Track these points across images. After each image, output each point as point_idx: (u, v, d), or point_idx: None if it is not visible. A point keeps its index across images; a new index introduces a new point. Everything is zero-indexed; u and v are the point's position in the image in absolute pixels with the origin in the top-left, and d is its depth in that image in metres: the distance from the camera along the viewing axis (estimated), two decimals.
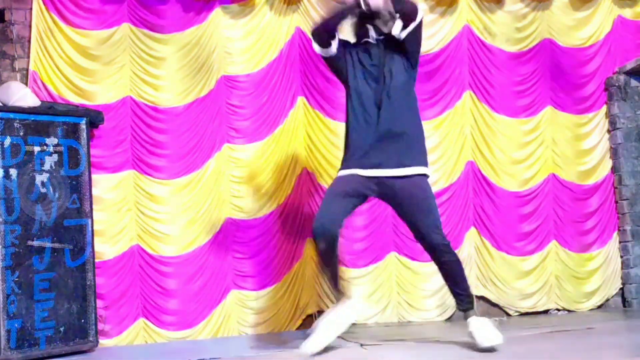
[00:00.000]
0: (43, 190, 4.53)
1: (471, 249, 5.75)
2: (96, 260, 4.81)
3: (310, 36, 4.25)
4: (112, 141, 5.15)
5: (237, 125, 5.42)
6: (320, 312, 5.39)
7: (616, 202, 6.01)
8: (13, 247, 4.37)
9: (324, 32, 4.07)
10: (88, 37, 5.12)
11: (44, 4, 5.06)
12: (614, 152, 6.00)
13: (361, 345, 4.39)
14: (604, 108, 6.05)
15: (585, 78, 6.00)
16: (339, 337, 4.79)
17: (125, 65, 5.21)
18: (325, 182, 5.45)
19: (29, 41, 5.07)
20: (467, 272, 4.26)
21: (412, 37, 4.04)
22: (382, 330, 5.17)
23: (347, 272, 5.49)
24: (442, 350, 4.06)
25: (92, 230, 4.75)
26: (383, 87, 3.99)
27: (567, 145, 5.96)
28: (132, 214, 5.17)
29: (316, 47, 4.15)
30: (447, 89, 5.76)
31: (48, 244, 4.52)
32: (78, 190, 4.70)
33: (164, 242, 5.20)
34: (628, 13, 6.14)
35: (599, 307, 5.93)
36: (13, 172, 4.42)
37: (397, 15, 4.01)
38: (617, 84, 5.97)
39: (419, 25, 4.02)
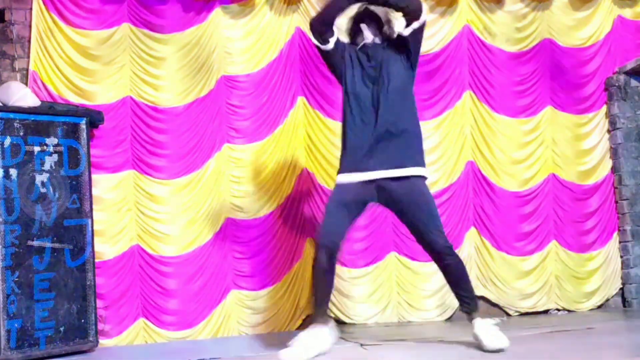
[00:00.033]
0: (43, 190, 4.53)
1: (471, 249, 5.75)
2: (96, 260, 4.81)
3: (309, 27, 4.25)
4: (112, 141, 5.15)
5: (237, 125, 5.42)
6: None
7: (616, 202, 6.01)
8: (13, 247, 4.37)
9: (321, 23, 4.08)
10: (88, 37, 5.12)
11: (44, 4, 5.06)
12: (614, 152, 6.00)
13: (361, 345, 4.38)
14: (604, 108, 6.05)
15: (585, 78, 6.00)
16: (339, 337, 4.81)
17: (125, 65, 5.21)
18: (325, 182, 5.46)
19: (29, 41, 5.07)
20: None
21: (414, 37, 4.04)
22: (382, 330, 5.17)
23: (347, 272, 5.50)
24: (442, 350, 4.06)
25: (92, 230, 4.75)
26: (381, 89, 3.99)
27: (567, 145, 5.96)
28: (132, 214, 5.17)
29: (314, 40, 4.17)
30: (447, 89, 5.76)
31: (48, 244, 4.52)
32: (78, 190, 4.70)
33: (164, 242, 5.20)
34: (628, 13, 6.14)
35: (599, 307, 5.93)
36: (13, 172, 4.42)
37: (401, 12, 4.01)
38: (617, 84, 5.97)
39: (423, 25, 4.03)
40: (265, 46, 5.49)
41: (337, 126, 5.39)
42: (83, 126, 4.76)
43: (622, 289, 5.99)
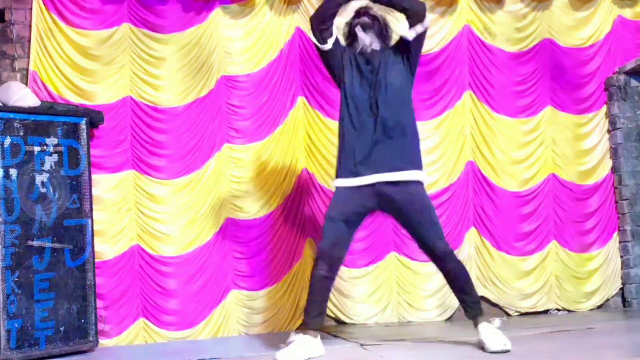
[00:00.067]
0: (43, 190, 4.53)
1: (471, 249, 5.75)
2: (96, 260, 4.81)
3: (309, 24, 4.26)
4: (112, 141, 5.14)
5: (237, 125, 5.42)
6: None
7: (616, 202, 6.01)
8: (13, 247, 4.37)
9: (319, 19, 4.08)
10: (88, 37, 5.12)
11: (44, 4, 5.06)
12: (614, 152, 6.00)
13: (361, 345, 4.39)
14: (604, 108, 6.05)
15: (585, 78, 6.00)
16: (339, 337, 4.81)
17: (125, 65, 5.21)
18: (325, 182, 5.46)
19: (29, 41, 5.07)
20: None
21: (417, 40, 4.05)
22: (382, 330, 5.17)
23: (347, 272, 5.50)
24: (442, 350, 4.06)
25: (92, 230, 4.75)
26: (379, 93, 3.99)
27: (567, 145, 5.96)
28: (132, 214, 5.17)
29: (313, 38, 4.17)
30: (447, 89, 5.76)
31: (48, 244, 4.52)
32: (78, 190, 4.70)
33: (164, 242, 5.20)
34: (628, 13, 6.14)
35: (599, 307, 5.93)
36: (13, 172, 4.42)
37: (404, 14, 4.01)
38: (617, 84, 5.97)
39: (426, 29, 4.04)
40: (265, 46, 5.49)
41: (337, 126, 5.39)
42: (83, 126, 4.76)
43: (622, 289, 5.99)
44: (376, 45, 4.11)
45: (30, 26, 5.07)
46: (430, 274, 5.56)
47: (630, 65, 5.93)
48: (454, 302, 5.48)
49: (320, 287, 3.99)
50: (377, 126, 3.96)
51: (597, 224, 5.95)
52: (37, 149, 4.53)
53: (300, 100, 5.57)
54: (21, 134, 4.47)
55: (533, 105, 5.90)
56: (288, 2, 5.53)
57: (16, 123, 4.46)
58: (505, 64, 5.86)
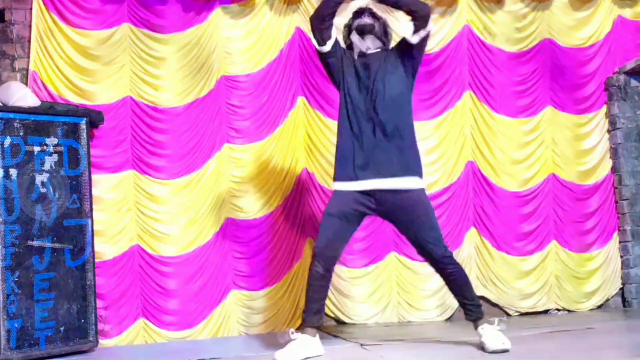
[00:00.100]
0: (43, 190, 4.53)
1: (471, 249, 5.74)
2: (96, 260, 4.81)
3: (309, 23, 4.26)
4: (112, 141, 5.14)
5: (237, 125, 5.42)
6: None
7: (616, 202, 6.01)
8: (13, 247, 4.37)
9: (319, 19, 4.08)
10: (88, 37, 5.12)
11: (44, 4, 5.06)
12: (614, 152, 6.00)
13: (361, 345, 4.39)
14: (604, 108, 6.05)
15: (585, 78, 6.00)
16: (339, 337, 4.81)
17: (125, 65, 5.21)
18: (325, 182, 5.46)
19: (29, 41, 5.07)
20: (467, 272, 4.25)
21: (420, 44, 4.05)
22: (382, 330, 5.17)
23: (347, 272, 5.50)
24: (442, 350, 4.06)
25: (92, 230, 4.75)
26: (377, 97, 3.98)
27: (567, 145, 5.96)
28: (132, 214, 5.17)
29: (313, 40, 4.18)
30: (447, 89, 5.76)
31: (48, 244, 4.52)
32: (78, 190, 4.70)
33: (164, 242, 5.20)
34: (628, 13, 6.14)
35: (599, 307, 5.93)
36: (13, 172, 4.42)
37: (410, 16, 4.00)
38: (617, 84, 5.97)
39: (429, 33, 4.04)
40: (265, 46, 5.48)
41: (337, 126, 5.40)
42: (83, 126, 4.76)
43: (622, 289, 5.99)
44: (377, 47, 4.11)
45: (30, 26, 5.07)
46: (430, 274, 5.54)
47: (630, 65, 5.93)
48: (454, 302, 5.47)
49: (318, 285, 3.99)
50: (376, 131, 3.96)
51: (597, 224, 5.95)
52: (37, 149, 4.53)
53: (300, 100, 5.57)
54: (21, 134, 4.47)
55: (533, 105, 5.90)
56: (288, 2, 5.53)
57: (16, 123, 4.46)
58: (505, 64, 5.86)
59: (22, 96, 4.64)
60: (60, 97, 5.02)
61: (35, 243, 4.47)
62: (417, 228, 3.99)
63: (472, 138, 5.82)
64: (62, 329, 4.54)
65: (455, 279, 4.05)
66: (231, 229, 5.35)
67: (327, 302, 5.29)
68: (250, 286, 5.36)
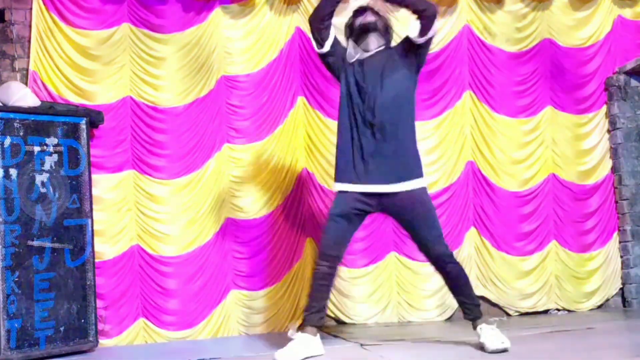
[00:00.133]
0: (43, 190, 4.53)
1: (471, 249, 5.74)
2: (96, 260, 4.81)
3: (308, 25, 4.26)
4: (112, 141, 5.14)
5: (237, 125, 5.42)
6: None
7: (616, 202, 6.01)
8: (13, 247, 4.37)
9: (317, 19, 4.08)
10: (88, 37, 5.12)
11: (44, 4, 5.06)
12: (614, 152, 6.00)
13: (361, 345, 4.39)
14: (604, 108, 6.05)
15: (585, 78, 6.00)
16: (339, 337, 4.81)
17: (125, 65, 5.21)
18: (325, 182, 5.46)
19: (29, 41, 5.07)
20: (467, 272, 4.26)
21: (426, 44, 4.05)
22: (382, 330, 5.17)
23: (347, 272, 5.50)
24: (442, 350, 4.06)
25: (92, 230, 4.75)
26: (378, 98, 3.97)
27: (567, 145, 5.96)
28: (132, 214, 5.17)
29: (313, 42, 4.18)
30: (447, 89, 5.76)
31: (48, 244, 4.52)
32: (78, 190, 4.70)
33: (164, 242, 5.20)
34: (628, 13, 6.14)
35: (599, 307, 5.93)
36: (13, 172, 4.42)
37: (417, 15, 3.99)
38: (617, 84, 5.97)
39: (435, 33, 4.04)
40: (265, 46, 5.48)
41: (336, 126, 5.40)
42: (83, 126, 4.76)
43: (622, 289, 5.99)
44: (379, 46, 4.10)
45: (30, 26, 5.07)
46: (430, 274, 5.55)
47: (630, 65, 5.93)
48: (454, 302, 5.44)
49: (321, 285, 4.00)
50: (376, 130, 3.95)
51: (597, 224, 5.95)
52: (37, 149, 4.53)
53: (300, 100, 5.57)
54: (21, 134, 4.47)
55: (533, 105, 5.90)
56: (288, 2, 5.53)
57: (16, 123, 4.46)
58: (505, 64, 5.86)
59: (22, 96, 4.64)
60: (60, 97, 5.02)
61: (35, 243, 4.47)
62: (418, 226, 4.00)
63: (472, 138, 5.82)
64: (62, 329, 4.54)
65: (454, 278, 4.05)
66: (231, 229, 5.35)
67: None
68: (250, 286, 5.36)
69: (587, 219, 5.94)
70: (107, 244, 5.05)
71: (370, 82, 4.01)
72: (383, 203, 3.99)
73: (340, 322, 5.49)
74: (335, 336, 4.86)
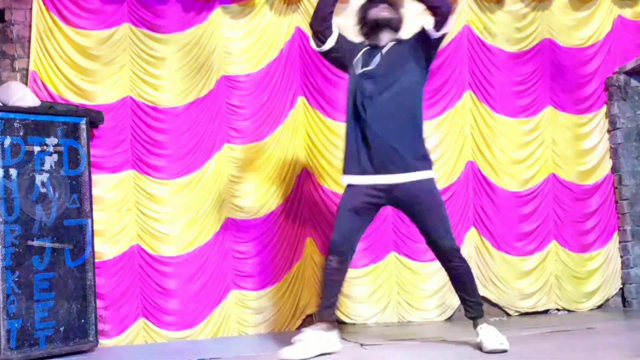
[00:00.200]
0: (43, 190, 4.53)
1: (471, 249, 5.74)
2: (96, 260, 4.81)
3: (309, 29, 4.25)
4: (112, 141, 5.14)
5: (237, 125, 5.42)
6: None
7: (616, 202, 6.01)
8: (13, 247, 4.37)
9: (317, 20, 4.07)
10: (88, 37, 5.12)
11: (44, 4, 5.06)
12: (614, 152, 6.00)
13: (361, 345, 4.38)
14: (604, 108, 6.05)
15: (585, 78, 6.00)
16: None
17: (125, 65, 5.21)
18: (325, 182, 5.46)
19: (29, 41, 5.07)
20: None
21: (439, 39, 4.03)
22: (382, 330, 5.17)
23: (348, 272, 5.49)
24: (442, 350, 4.06)
25: (92, 230, 4.75)
26: (386, 90, 3.96)
27: (567, 145, 5.96)
28: (132, 214, 5.17)
29: (312, 43, 4.18)
30: (447, 89, 5.76)
31: (48, 244, 4.52)
32: (78, 190, 4.70)
33: (164, 242, 5.20)
34: (628, 13, 6.14)
35: (599, 307, 5.93)
36: (13, 172, 4.42)
37: (431, 11, 3.96)
38: (617, 84, 5.97)
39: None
40: (265, 46, 5.48)
41: (337, 126, 5.42)
42: (83, 126, 4.76)
43: (622, 289, 5.99)
44: (390, 40, 4.08)
45: (30, 26, 5.07)
46: (430, 274, 5.57)
47: (630, 65, 5.93)
48: (454, 302, 5.49)
49: (331, 280, 3.98)
50: (383, 124, 3.93)
51: (597, 224, 5.95)
52: (37, 149, 4.53)
53: (300, 100, 5.57)
54: (21, 134, 4.47)
55: (533, 105, 5.90)
56: (288, 2, 5.53)
57: (16, 123, 4.46)
58: (505, 64, 5.86)
59: (22, 96, 4.64)
60: (60, 97, 5.02)
61: (35, 243, 4.47)
62: (425, 218, 3.97)
63: (472, 138, 5.82)
64: (62, 329, 4.54)
65: (459, 274, 4.02)
66: (231, 229, 5.35)
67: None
68: (251, 286, 5.37)
69: (587, 219, 5.94)
70: (107, 244, 5.05)
71: (378, 75, 3.99)
72: (392, 194, 3.96)
73: (340, 322, 5.48)
74: None
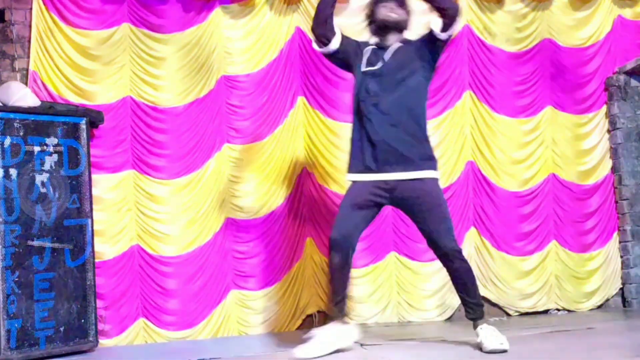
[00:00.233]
0: (43, 190, 4.53)
1: (471, 249, 5.74)
2: (96, 260, 4.81)
3: (311, 32, 4.25)
4: (112, 141, 5.14)
5: (237, 125, 5.42)
6: (320, 312, 5.41)
7: (616, 202, 6.01)
8: (13, 247, 4.37)
9: (318, 22, 4.07)
10: (88, 37, 5.12)
11: (44, 4, 5.06)
12: (614, 152, 6.00)
13: (361, 345, 4.38)
14: (604, 108, 6.05)
15: (585, 78, 6.00)
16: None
17: (125, 65, 5.21)
18: (325, 182, 5.46)
19: (29, 41, 5.07)
20: None
21: (446, 41, 4.03)
22: (382, 330, 5.17)
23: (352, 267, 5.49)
24: (442, 350, 4.06)
25: (92, 230, 4.75)
26: (396, 89, 3.95)
27: (567, 145, 5.96)
28: (132, 214, 5.17)
29: (314, 45, 4.18)
30: (447, 89, 5.76)
31: (48, 244, 4.52)
32: (78, 190, 4.70)
33: (164, 242, 5.20)
34: (628, 13, 6.14)
35: (599, 307, 5.93)
36: (13, 172, 4.42)
37: (439, 13, 3.96)
38: (617, 84, 5.97)
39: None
40: (265, 46, 5.48)
41: (337, 126, 5.43)
42: (83, 126, 4.76)
43: (622, 289, 5.99)
44: (397, 41, 4.07)
45: (30, 26, 5.07)
46: (430, 274, 5.57)
47: (630, 65, 5.93)
48: (454, 302, 5.49)
49: (337, 276, 3.98)
50: (388, 123, 3.93)
51: (597, 224, 5.95)
52: (37, 149, 4.53)
53: (300, 100, 5.57)
54: (21, 134, 4.47)
55: (533, 105, 5.90)
56: (288, 2, 5.53)
57: (16, 123, 4.46)
58: (505, 64, 5.86)
59: (22, 96, 4.64)
60: (60, 97, 5.02)
61: (35, 243, 4.47)
62: (428, 218, 3.96)
63: (472, 138, 5.82)
64: (62, 329, 4.54)
65: (460, 275, 4.00)
66: (231, 229, 5.35)
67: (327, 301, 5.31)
68: (251, 286, 5.36)
69: (587, 219, 5.94)
70: (107, 244, 5.05)
71: (384, 75, 3.99)
72: (395, 193, 3.95)
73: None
74: None
